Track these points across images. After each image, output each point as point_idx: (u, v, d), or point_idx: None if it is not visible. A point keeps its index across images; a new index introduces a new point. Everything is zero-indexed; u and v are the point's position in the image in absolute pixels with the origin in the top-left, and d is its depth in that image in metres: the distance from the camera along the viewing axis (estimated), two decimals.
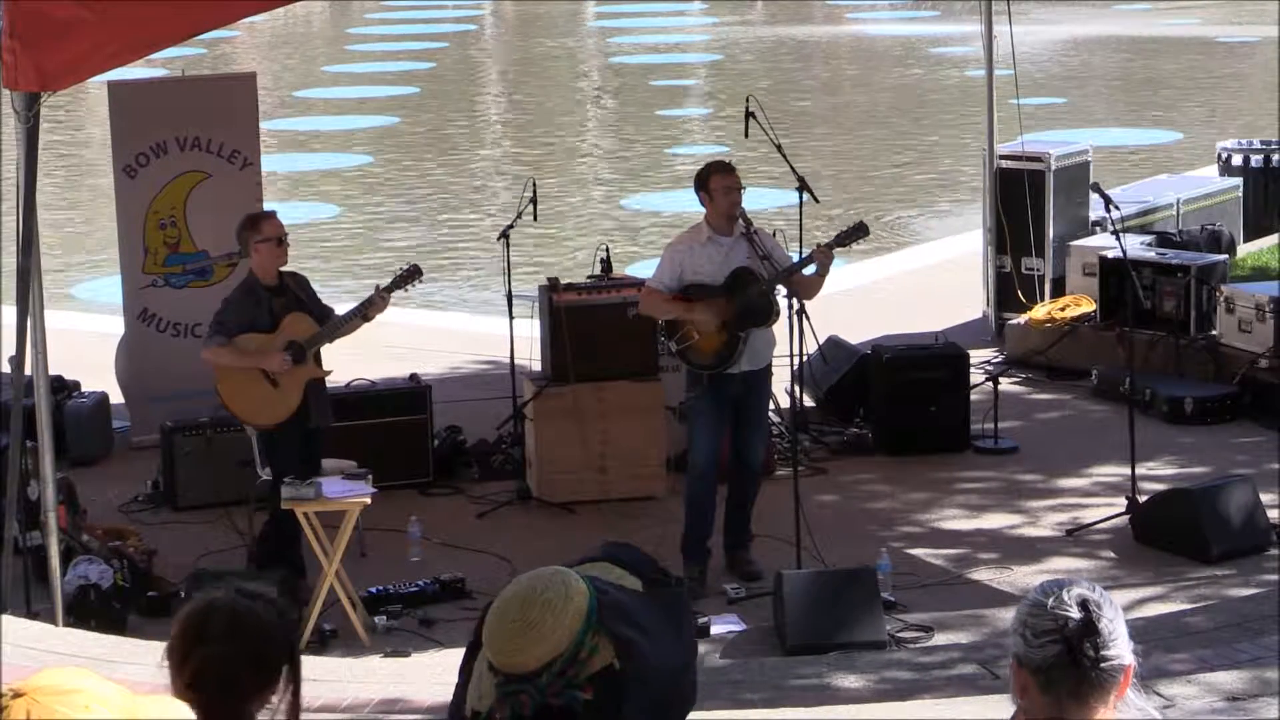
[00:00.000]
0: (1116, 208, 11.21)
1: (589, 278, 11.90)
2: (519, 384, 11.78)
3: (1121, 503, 10.62)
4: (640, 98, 31.87)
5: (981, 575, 10.07)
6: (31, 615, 9.14)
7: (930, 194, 22.58)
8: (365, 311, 9.92)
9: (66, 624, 9.07)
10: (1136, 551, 10.25)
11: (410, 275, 10.15)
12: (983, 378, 12.67)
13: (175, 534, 10.84)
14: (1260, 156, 17.67)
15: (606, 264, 11.86)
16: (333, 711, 8.15)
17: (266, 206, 11.72)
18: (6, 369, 9.37)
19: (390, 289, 10.02)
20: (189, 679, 3.57)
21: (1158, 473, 11.37)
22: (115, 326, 12.97)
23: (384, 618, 9.50)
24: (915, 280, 17.00)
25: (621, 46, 40.15)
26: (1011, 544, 10.51)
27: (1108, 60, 35.11)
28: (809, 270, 10.09)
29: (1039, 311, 13.94)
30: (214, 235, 12.06)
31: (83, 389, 12.42)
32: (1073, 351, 13.42)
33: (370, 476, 9.66)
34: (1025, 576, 9.85)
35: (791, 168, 10.55)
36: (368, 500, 9.53)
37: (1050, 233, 14.37)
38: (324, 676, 8.54)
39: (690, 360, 10.05)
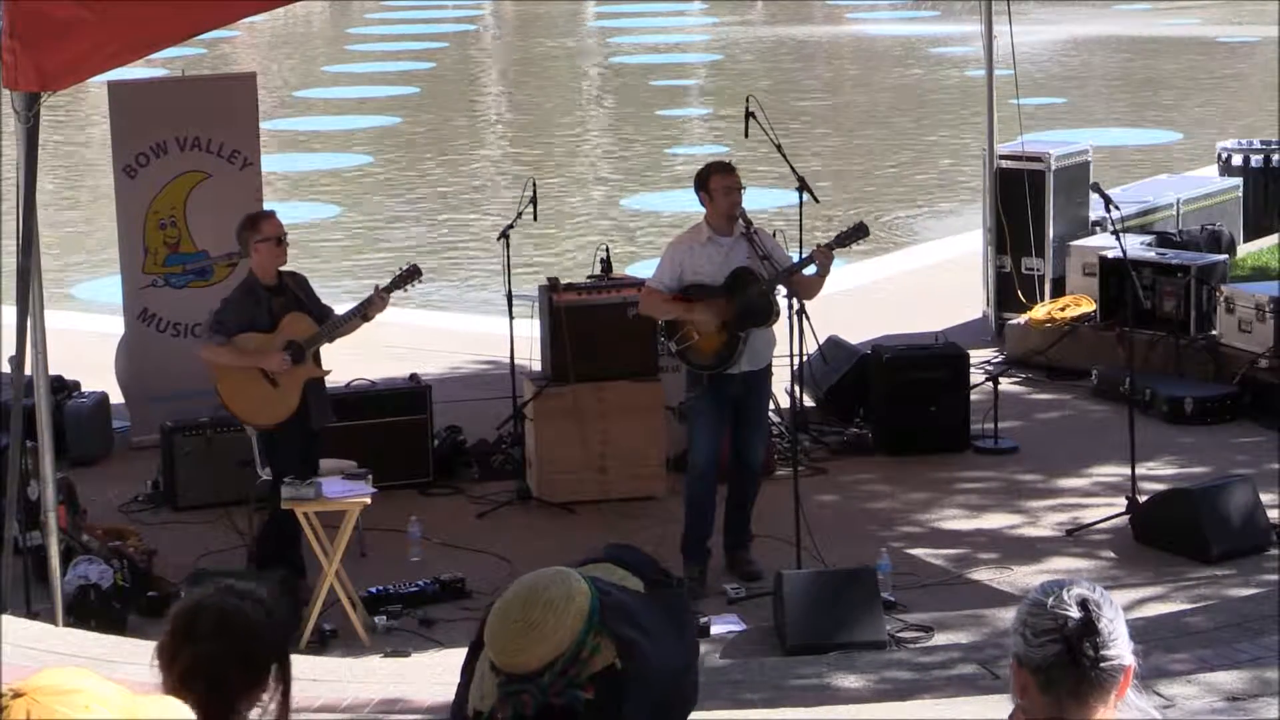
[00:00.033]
0: (1116, 208, 11.21)
1: (589, 278, 11.90)
2: (519, 384, 11.78)
3: (1121, 503, 10.62)
4: (640, 98, 31.87)
5: (981, 575, 10.07)
6: (31, 615, 9.14)
7: (930, 194, 22.58)
8: (365, 311, 9.92)
9: (66, 624, 9.07)
10: (1136, 551, 10.25)
11: (409, 275, 10.14)
12: (983, 378, 12.67)
13: (175, 534, 10.84)
14: (1260, 156, 17.68)
15: (606, 264, 11.86)
16: (333, 711, 8.15)
17: (266, 206, 11.71)
18: (6, 369, 9.37)
19: (389, 289, 10.02)
20: (178, 678, 3.58)
21: (1158, 473, 11.38)
22: (115, 326, 12.97)
23: (384, 618, 9.50)
24: (915, 280, 17.00)
25: (621, 46, 40.15)
26: (1011, 544, 10.51)
27: (1108, 60, 35.12)
28: (809, 270, 10.09)
29: (1039, 311, 13.94)
30: (214, 235, 12.06)
31: (83, 389, 12.42)
32: (1073, 351, 13.42)
33: (370, 476, 9.66)
34: (1025, 576, 9.85)
35: (791, 168, 10.55)
36: (368, 500, 9.53)
37: (1050, 233, 14.38)
38: (324, 676, 8.55)
39: (690, 360, 10.05)
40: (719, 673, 8.49)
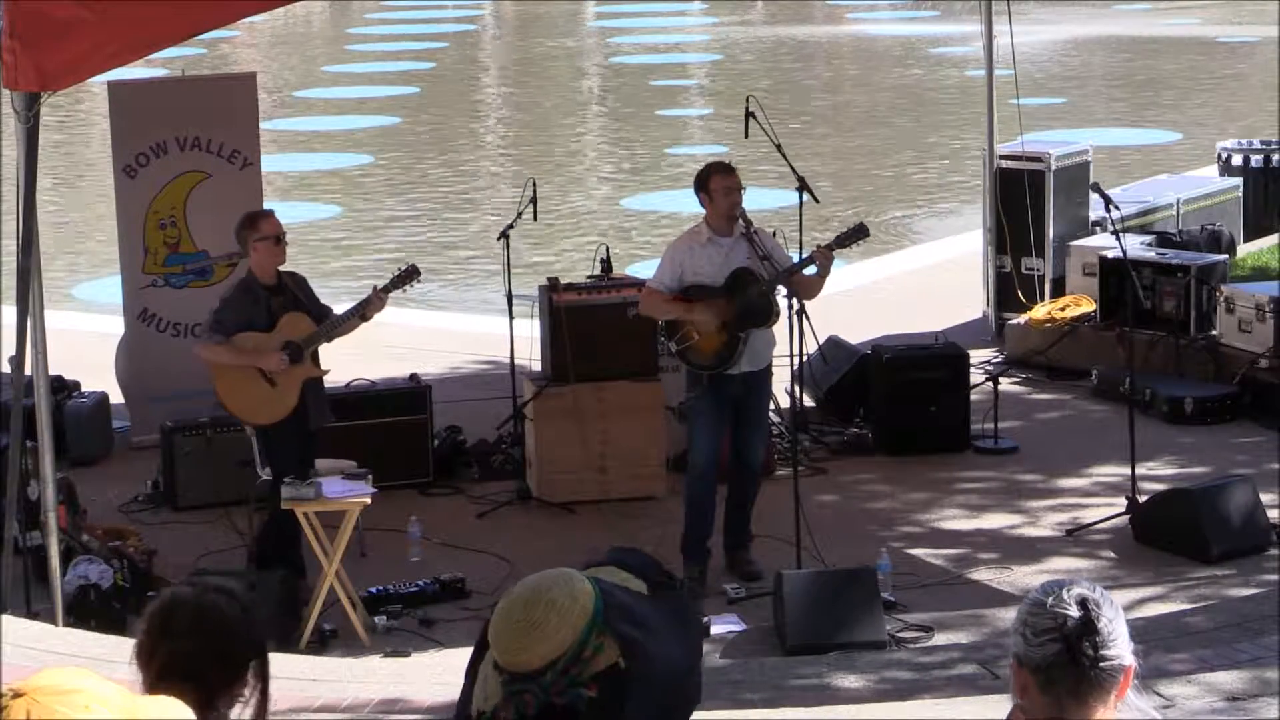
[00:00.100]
0: (1116, 208, 11.21)
1: (589, 278, 11.90)
2: (519, 384, 11.78)
3: (1121, 503, 10.62)
4: (640, 98, 31.87)
5: (981, 575, 10.07)
6: (31, 615, 9.14)
7: (930, 194, 22.58)
8: (363, 311, 9.92)
9: (66, 624, 9.06)
10: (1136, 551, 10.25)
11: (408, 276, 10.14)
12: (983, 378, 12.67)
13: (175, 534, 10.84)
14: (1260, 156, 17.68)
15: (606, 264, 11.86)
16: (333, 711, 8.15)
17: (266, 206, 11.71)
18: (6, 369, 9.37)
19: (388, 289, 10.02)
20: (156, 675, 3.59)
21: (1158, 473, 11.38)
22: (115, 326, 12.97)
23: (384, 618, 9.50)
24: (915, 280, 17.00)
25: (621, 46, 40.15)
26: (1011, 544, 10.51)
27: (1108, 60, 35.12)
28: (809, 271, 10.09)
29: (1039, 311, 13.94)
30: (214, 235, 12.06)
31: (83, 389, 12.42)
32: (1073, 351, 13.42)
33: (370, 476, 9.66)
34: (1025, 576, 9.85)
35: (791, 168, 10.55)
36: (368, 500, 9.53)
37: (1050, 233, 14.38)
38: (324, 676, 8.55)
39: (690, 360, 10.05)
40: (719, 673, 8.49)
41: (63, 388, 12.08)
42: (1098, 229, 14.58)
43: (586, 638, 3.66)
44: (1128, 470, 10.62)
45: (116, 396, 12.51)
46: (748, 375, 9.97)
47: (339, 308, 10.24)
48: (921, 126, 27.40)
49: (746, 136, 10.73)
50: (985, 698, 7.97)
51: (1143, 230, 14.85)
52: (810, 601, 9.02)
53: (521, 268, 13.04)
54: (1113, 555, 10.25)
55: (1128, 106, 29.44)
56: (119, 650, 8.69)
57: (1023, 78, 14.74)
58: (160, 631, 3.63)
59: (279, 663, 8.72)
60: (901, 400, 12.05)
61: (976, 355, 13.24)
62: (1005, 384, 12.78)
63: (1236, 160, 17.73)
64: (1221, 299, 13.06)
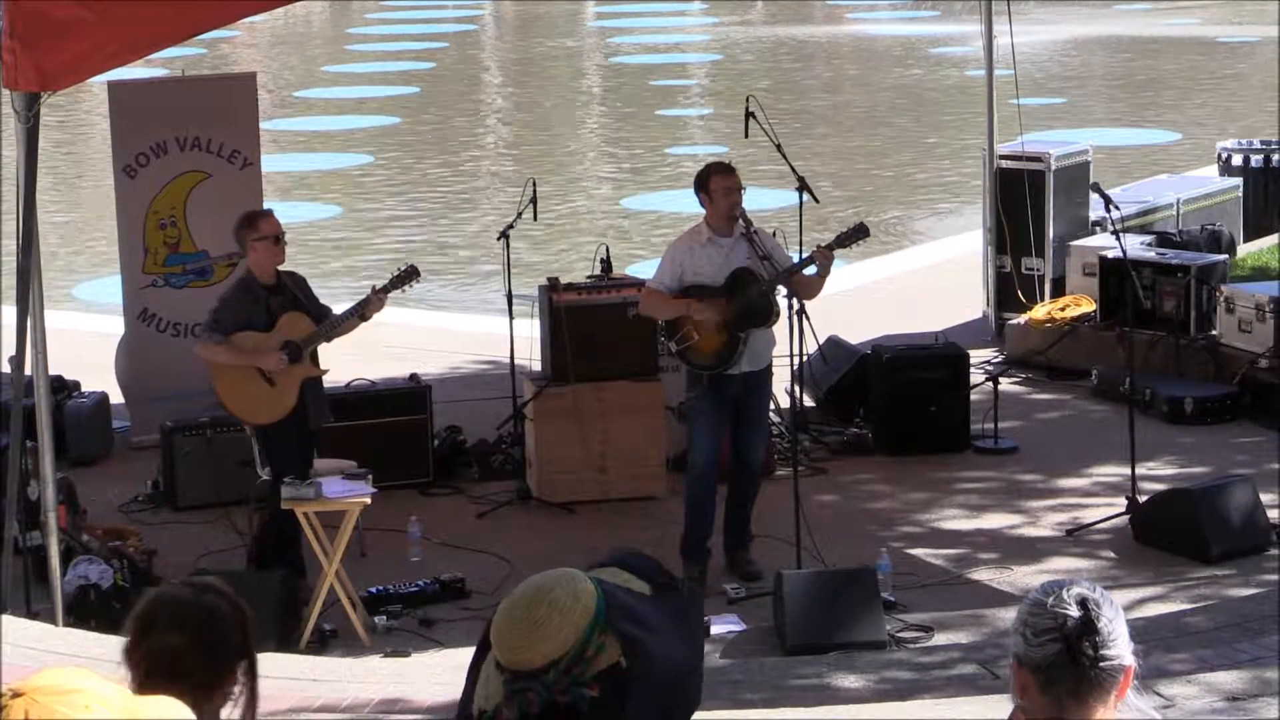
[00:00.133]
0: (1116, 208, 11.21)
1: (589, 278, 11.90)
2: (519, 384, 11.78)
3: (1121, 503, 10.62)
4: (640, 98, 31.87)
5: (981, 575, 10.06)
6: (31, 615, 9.14)
7: (930, 194, 22.58)
8: (362, 311, 9.92)
9: (66, 624, 9.07)
10: (1136, 551, 10.25)
11: (407, 276, 10.14)
12: (983, 378, 12.67)
13: (175, 534, 10.84)
14: (1260, 156, 17.68)
15: (606, 264, 11.85)
16: (333, 711, 8.15)
17: (266, 206, 11.71)
18: (6, 369, 9.37)
19: (387, 289, 10.01)
20: (143, 674, 3.59)
21: (1158, 473, 11.38)
22: (115, 326, 12.97)
23: (384, 618, 9.50)
24: (915, 280, 17.00)
25: (621, 46, 40.16)
26: (1011, 544, 10.50)
27: (1108, 60, 35.13)
28: (809, 271, 10.09)
29: (1039, 311, 13.94)
30: (214, 235, 12.06)
31: (83, 389, 12.42)
32: (1073, 351, 13.42)
33: (370, 476, 9.66)
34: (1025, 576, 9.85)
35: (791, 168, 10.55)
36: (368, 500, 9.53)
37: (1050, 233, 14.38)
38: (324, 676, 8.55)
39: (690, 360, 10.05)
40: (719, 673, 8.48)
41: (63, 388, 12.08)
42: (1098, 229, 14.58)
43: (589, 637, 3.66)
44: (1128, 470, 10.62)
45: (116, 396, 12.51)
46: (748, 375, 9.97)
47: (339, 308, 10.24)
48: (921, 126, 27.40)
49: (746, 136, 10.73)
50: (985, 698, 7.97)
51: (1143, 230, 14.85)
52: (810, 601, 9.02)
53: (521, 268, 13.04)
54: (1113, 555, 10.25)
55: (1127, 106, 29.44)
56: (119, 650, 8.70)
57: (1023, 78, 14.74)
58: (143, 630, 3.64)
59: (279, 663, 8.77)
60: (901, 400, 12.05)
61: (976, 355, 13.24)
62: (1005, 384, 12.78)
63: (1236, 160, 17.73)
64: (1221, 299, 13.06)
